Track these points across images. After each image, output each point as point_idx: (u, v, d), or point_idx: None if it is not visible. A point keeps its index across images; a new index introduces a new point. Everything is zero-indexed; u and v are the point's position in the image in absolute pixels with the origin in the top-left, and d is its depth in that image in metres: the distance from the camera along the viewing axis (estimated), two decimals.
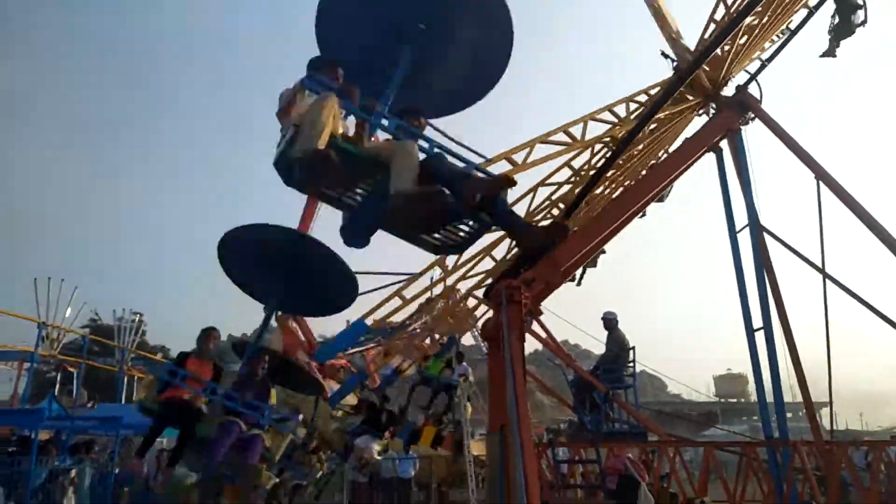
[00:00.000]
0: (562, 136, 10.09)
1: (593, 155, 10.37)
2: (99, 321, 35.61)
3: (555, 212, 11.56)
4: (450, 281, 12.29)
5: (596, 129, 10.19)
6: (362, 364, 13.39)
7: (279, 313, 9.61)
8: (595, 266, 13.28)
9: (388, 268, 9.96)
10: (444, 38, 6.01)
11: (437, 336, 13.57)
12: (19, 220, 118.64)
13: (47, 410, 13.22)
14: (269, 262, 7.59)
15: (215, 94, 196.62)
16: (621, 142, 8.89)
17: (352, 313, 9.64)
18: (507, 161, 9.62)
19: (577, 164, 10.68)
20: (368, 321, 9.52)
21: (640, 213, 12.38)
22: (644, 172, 11.14)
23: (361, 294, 9.13)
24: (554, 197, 10.88)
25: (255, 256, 7.58)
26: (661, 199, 12.70)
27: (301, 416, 11.88)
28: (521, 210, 10.66)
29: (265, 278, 7.87)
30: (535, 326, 8.82)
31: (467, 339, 17.09)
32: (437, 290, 13.06)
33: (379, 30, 5.89)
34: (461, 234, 5.28)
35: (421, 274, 9.93)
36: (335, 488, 17.38)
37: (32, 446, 9.00)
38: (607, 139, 10.11)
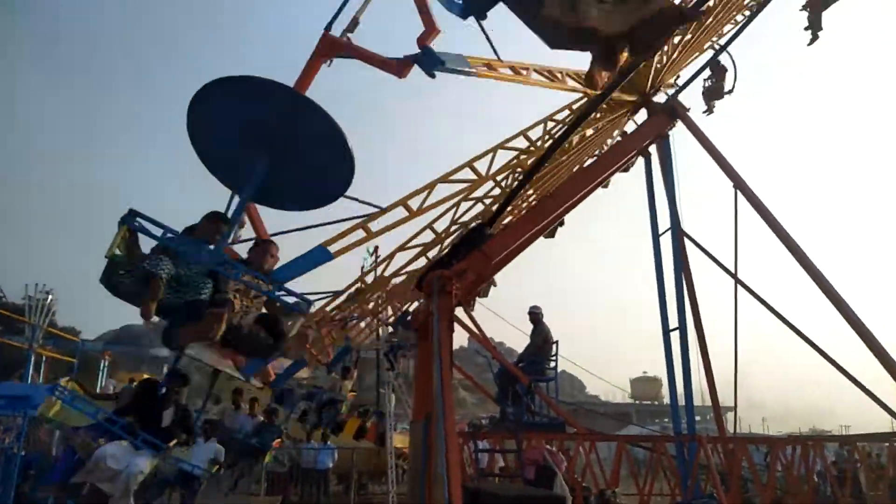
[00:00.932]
0: (466, 173, 10.34)
1: (513, 171, 10.64)
2: (3, 298, 33.54)
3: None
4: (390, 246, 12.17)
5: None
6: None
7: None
8: (553, 237, 13.54)
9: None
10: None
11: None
12: None
13: None
14: (248, 135, 6.33)
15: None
16: (532, 166, 9.08)
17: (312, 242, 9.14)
18: (404, 207, 9.78)
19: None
20: (332, 249, 9.14)
21: (549, 234, 12.73)
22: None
23: (325, 224, 8.81)
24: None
25: (230, 125, 6.36)
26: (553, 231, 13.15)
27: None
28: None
29: (242, 155, 6.48)
30: (464, 318, 8.95)
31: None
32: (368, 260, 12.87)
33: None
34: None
35: (387, 210, 9.71)
36: (252, 478, 17.12)
37: None
38: (516, 170, 10.43)
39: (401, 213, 10.10)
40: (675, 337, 10.00)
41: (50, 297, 25.16)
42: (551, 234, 13.25)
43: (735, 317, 9.94)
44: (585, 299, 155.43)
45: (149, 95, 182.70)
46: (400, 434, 18.35)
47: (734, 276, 9.71)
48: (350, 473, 17.80)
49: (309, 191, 6.96)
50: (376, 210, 9.47)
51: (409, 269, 11.72)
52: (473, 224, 10.51)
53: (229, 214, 6.39)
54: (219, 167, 6.71)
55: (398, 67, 8.07)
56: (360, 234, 9.68)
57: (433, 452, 7.96)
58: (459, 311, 9.52)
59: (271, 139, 6.14)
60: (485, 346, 10.42)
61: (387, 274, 11.67)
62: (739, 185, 9.17)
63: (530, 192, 11.82)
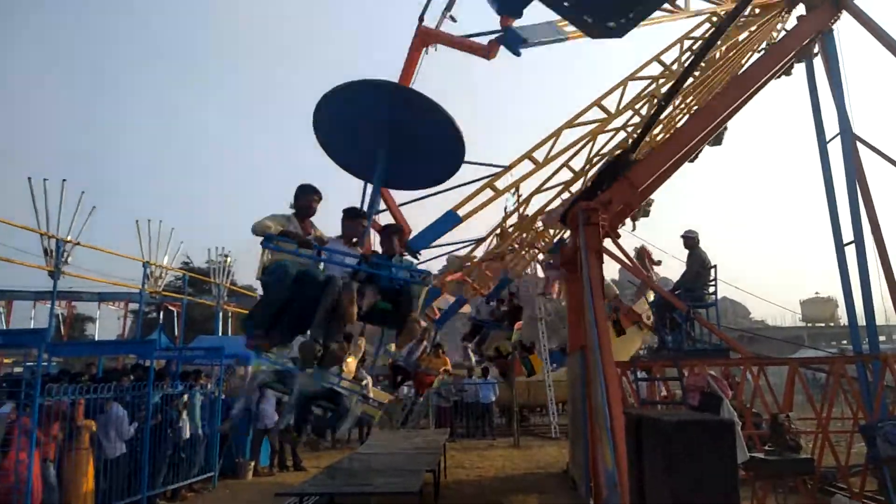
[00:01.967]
0: (595, 113, 9.92)
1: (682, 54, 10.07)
2: (191, 263, 37.61)
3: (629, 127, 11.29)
4: (525, 191, 12.25)
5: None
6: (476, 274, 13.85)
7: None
8: (648, 216, 13.07)
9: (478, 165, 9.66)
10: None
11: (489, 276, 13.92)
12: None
13: (158, 342, 14.49)
14: (368, 130, 6.97)
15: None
16: (676, 83, 8.49)
17: (439, 210, 9.67)
18: (530, 160, 9.61)
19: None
20: (461, 212, 9.61)
21: (692, 159, 11.96)
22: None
23: (451, 188, 9.17)
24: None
25: (352, 124, 7.05)
26: (717, 142, 12.27)
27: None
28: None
29: (364, 149, 7.16)
30: (613, 248, 8.79)
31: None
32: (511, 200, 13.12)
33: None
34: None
35: (511, 167, 9.97)
36: (420, 414, 18.29)
37: (149, 373, 9.87)
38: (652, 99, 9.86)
39: (527, 166, 10.18)
40: (850, 252, 9.21)
41: (228, 258, 27.90)
42: (646, 213, 12.66)
43: None
44: (746, 219, 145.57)
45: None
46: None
47: None
48: (511, 406, 18.49)
49: (428, 171, 7.73)
50: (500, 169, 9.76)
51: (550, 207, 11.68)
52: (617, 152, 10.19)
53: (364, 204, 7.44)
54: (347, 162, 7.62)
55: (486, 51, 8.60)
56: (488, 193, 9.89)
57: (591, 383, 8.06)
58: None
59: (389, 131, 6.81)
60: (637, 276, 10.18)
61: (528, 213, 11.71)
62: None
63: (677, 110, 11.20)
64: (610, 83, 10.33)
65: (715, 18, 10.02)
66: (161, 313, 27.42)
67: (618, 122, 10.55)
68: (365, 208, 7.05)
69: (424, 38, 9.03)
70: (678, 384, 8.32)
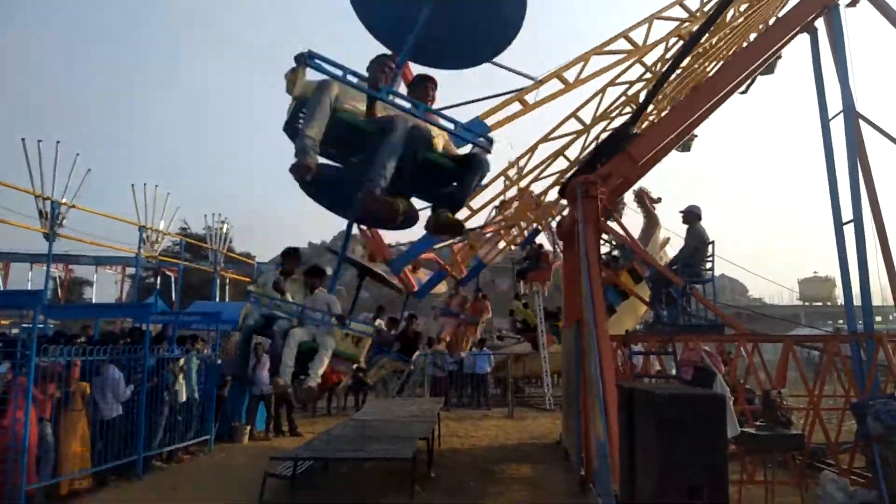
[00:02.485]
0: (621, 44, 9.66)
1: (667, 49, 9.89)
2: (188, 229, 37.59)
3: (627, 110, 11.21)
4: (522, 183, 12.29)
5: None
6: (449, 257, 13.72)
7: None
8: (689, 150, 12.90)
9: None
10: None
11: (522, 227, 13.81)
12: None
13: (154, 306, 14.53)
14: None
15: None
16: (696, 31, 8.32)
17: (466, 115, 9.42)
18: (559, 79, 9.31)
19: (649, 60, 10.24)
20: (489, 122, 9.31)
21: (743, 90, 11.73)
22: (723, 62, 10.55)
23: (478, 100, 8.89)
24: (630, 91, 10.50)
25: None
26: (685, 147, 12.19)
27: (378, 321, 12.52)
28: (589, 111, 10.39)
29: (403, 9, 6.32)
30: (611, 223, 8.75)
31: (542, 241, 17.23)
32: (511, 192, 13.15)
33: None
34: None
35: (542, 81, 9.70)
36: (416, 382, 18.45)
37: (145, 336, 9.90)
38: (674, 38, 9.64)
39: (556, 85, 9.87)
40: (849, 231, 9.18)
41: (226, 225, 27.86)
42: (687, 148, 12.46)
43: None
44: (747, 197, 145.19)
45: None
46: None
47: None
48: (506, 377, 18.66)
49: (472, 43, 6.76)
50: (532, 82, 9.32)
51: (549, 170, 11.58)
52: (618, 125, 10.10)
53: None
54: (380, 27, 6.71)
55: None
56: (517, 106, 9.58)
57: (585, 356, 8.10)
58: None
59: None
60: (634, 250, 10.15)
61: (529, 166, 11.59)
62: None
63: (679, 85, 11.07)
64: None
65: None
66: (158, 278, 27.52)
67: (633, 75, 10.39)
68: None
69: None
70: (672, 359, 8.37)
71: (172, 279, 26.66)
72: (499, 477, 9.55)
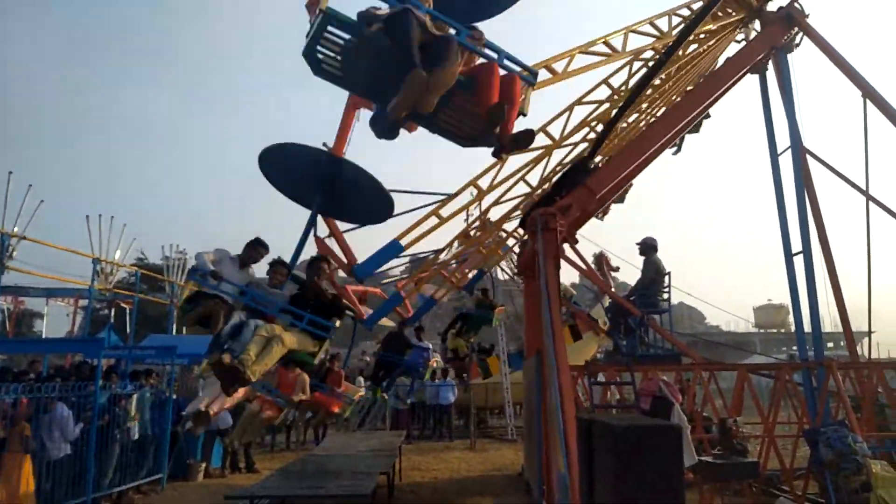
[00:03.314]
0: (602, 48, 9.90)
1: (631, 75, 10.16)
2: (145, 260, 36.75)
3: (591, 135, 11.39)
4: (483, 204, 12.22)
5: (637, 43, 9.95)
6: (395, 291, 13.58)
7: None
8: (622, 202, 13.19)
9: (424, 189, 9.93)
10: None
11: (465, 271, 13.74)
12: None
13: (106, 340, 14.07)
14: (307, 176, 8.12)
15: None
16: (662, 54, 8.64)
17: (389, 232, 9.80)
18: (547, 69, 9.50)
19: (615, 82, 10.46)
20: (405, 241, 9.58)
21: (675, 149, 12.21)
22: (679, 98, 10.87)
23: (399, 214, 9.32)
24: (591, 117, 10.68)
25: (294, 170, 8.12)
26: (677, 149, 12.52)
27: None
28: (556, 130, 10.56)
29: (306, 189, 8.40)
30: (571, 254, 8.88)
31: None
32: (473, 210, 13.11)
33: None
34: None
35: (456, 195, 9.94)
36: (377, 415, 18.22)
37: (96, 372, 9.57)
38: (648, 53, 9.89)
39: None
40: (798, 262, 9.49)
41: (185, 256, 27.31)
42: (620, 200, 12.76)
43: (868, 236, 9.29)
44: (703, 227, 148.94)
45: None
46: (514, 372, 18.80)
47: (865, 192, 8.99)
48: (469, 407, 18.52)
49: (363, 214, 8.94)
50: (445, 197, 9.80)
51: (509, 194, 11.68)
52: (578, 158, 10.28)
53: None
54: (292, 195, 8.66)
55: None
56: (433, 220, 9.97)
57: (546, 387, 8.12)
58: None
59: (322, 183, 8.05)
60: (593, 280, 10.30)
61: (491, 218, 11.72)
62: (869, 93, 8.38)
63: (638, 122, 11.35)
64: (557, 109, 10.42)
65: (660, 46, 10.13)
66: (113, 311, 26.69)
67: (560, 153, 10.65)
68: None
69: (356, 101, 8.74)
70: (631, 388, 8.45)
71: (128, 311, 25.91)
72: None
